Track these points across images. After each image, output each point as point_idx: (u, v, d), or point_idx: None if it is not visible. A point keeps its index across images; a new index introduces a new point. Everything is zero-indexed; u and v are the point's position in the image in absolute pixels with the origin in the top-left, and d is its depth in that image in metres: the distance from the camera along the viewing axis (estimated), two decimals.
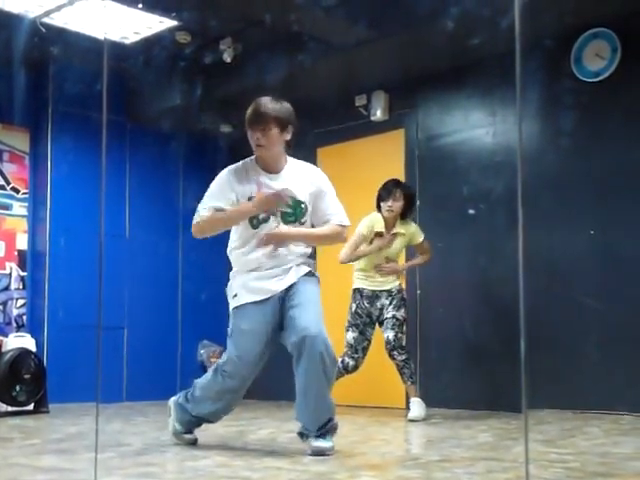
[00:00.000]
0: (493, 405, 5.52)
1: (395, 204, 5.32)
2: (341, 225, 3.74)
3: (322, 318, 3.56)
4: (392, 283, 5.42)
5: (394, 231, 5.36)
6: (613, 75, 5.37)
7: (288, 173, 3.69)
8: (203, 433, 4.72)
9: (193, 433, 3.95)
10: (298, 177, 3.69)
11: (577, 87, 5.47)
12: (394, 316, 5.28)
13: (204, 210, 3.68)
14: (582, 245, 5.43)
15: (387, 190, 5.35)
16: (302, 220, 3.66)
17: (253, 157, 3.72)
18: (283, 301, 3.62)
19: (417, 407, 5.17)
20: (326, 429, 3.52)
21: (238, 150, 7.76)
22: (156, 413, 5.81)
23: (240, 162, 3.76)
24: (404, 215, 5.41)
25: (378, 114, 6.49)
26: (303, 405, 3.54)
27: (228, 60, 6.14)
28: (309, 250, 3.77)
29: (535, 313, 5.03)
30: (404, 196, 5.36)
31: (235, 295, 3.69)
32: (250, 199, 3.59)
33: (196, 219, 3.69)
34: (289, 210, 3.62)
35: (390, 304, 5.34)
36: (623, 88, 5.34)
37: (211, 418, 3.92)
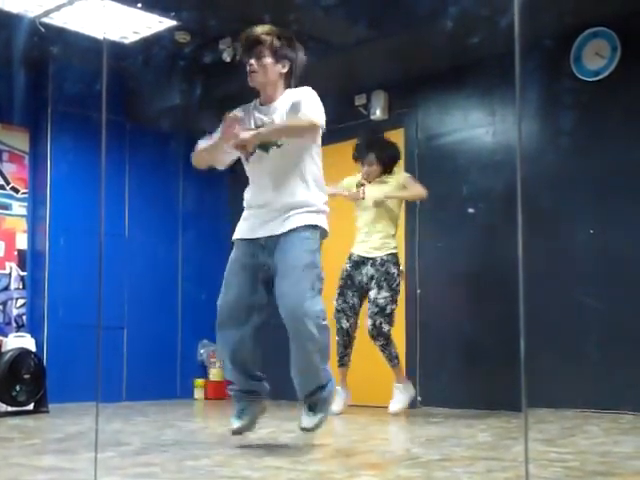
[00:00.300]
0: (493, 404, 5.52)
1: (370, 169, 5.28)
2: (309, 119, 3.48)
3: (306, 283, 3.41)
4: (378, 251, 5.32)
5: (377, 180, 5.35)
6: (613, 74, 5.37)
7: (280, 103, 3.59)
8: (203, 432, 4.73)
9: (243, 419, 3.75)
10: (288, 100, 3.59)
11: (577, 86, 5.47)
12: (375, 300, 5.22)
13: (202, 140, 3.67)
14: (582, 244, 5.43)
15: (359, 153, 5.31)
16: (279, 143, 3.53)
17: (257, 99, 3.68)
18: (272, 254, 3.53)
19: (397, 397, 5.23)
20: (315, 398, 3.49)
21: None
22: (156, 413, 5.81)
23: (245, 105, 3.72)
24: (388, 171, 5.36)
25: (378, 113, 6.49)
26: (293, 372, 3.56)
27: (228, 60, 6.14)
28: (317, 199, 3.57)
29: (535, 312, 5.03)
30: (379, 159, 5.31)
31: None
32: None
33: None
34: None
35: (373, 279, 5.27)
36: (623, 87, 5.34)
37: (231, 378, 3.81)
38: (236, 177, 7.75)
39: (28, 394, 5.74)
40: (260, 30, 3.56)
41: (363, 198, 5.31)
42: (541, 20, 4.69)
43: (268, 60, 3.53)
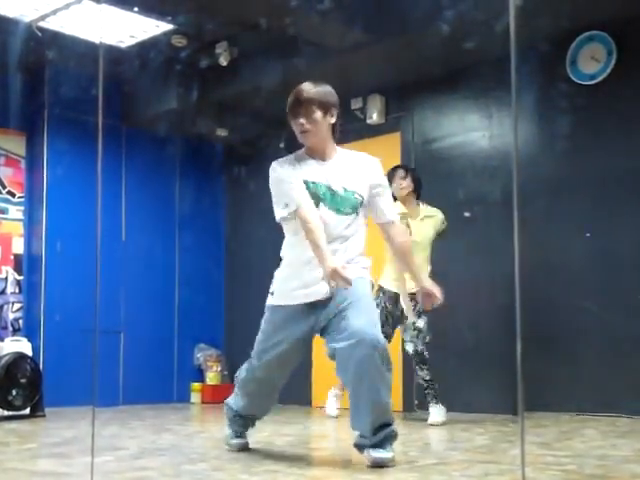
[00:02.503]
0: (490, 408, 5.52)
1: (404, 182, 5.23)
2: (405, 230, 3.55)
3: (376, 319, 3.34)
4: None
5: (422, 215, 5.23)
6: (608, 78, 5.38)
7: (339, 160, 3.47)
8: (200, 436, 4.72)
9: (243, 437, 3.76)
10: (351, 164, 3.46)
11: (573, 90, 5.48)
12: (414, 324, 5.17)
13: (292, 203, 3.47)
14: (578, 248, 5.44)
15: (393, 171, 5.27)
16: (357, 211, 3.40)
17: (302, 150, 3.53)
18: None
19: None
20: (383, 435, 3.21)
21: (234, 153, 7.82)
22: (153, 417, 5.80)
23: (288, 156, 3.55)
24: (418, 191, 5.29)
25: (374, 117, 6.50)
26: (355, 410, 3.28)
27: (224, 64, 6.14)
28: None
29: (532, 316, 5.04)
30: (408, 172, 5.28)
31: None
32: (316, 184, 3.41)
33: (291, 209, 3.46)
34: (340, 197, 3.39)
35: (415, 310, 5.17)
36: (618, 91, 5.35)
37: (246, 409, 3.72)
38: (232, 180, 7.80)
39: (24, 398, 5.72)
40: (305, 87, 3.43)
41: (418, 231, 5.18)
42: (537, 24, 4.70)
43: (318, 114, 3.40)
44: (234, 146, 7.68)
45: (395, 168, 5.30)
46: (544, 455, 3.44)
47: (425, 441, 4.36)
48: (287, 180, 3.47)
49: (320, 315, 3.38)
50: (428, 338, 5.17)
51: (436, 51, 5.67)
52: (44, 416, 5.76)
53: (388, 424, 3.22)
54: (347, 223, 3.39)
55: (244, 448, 3.70)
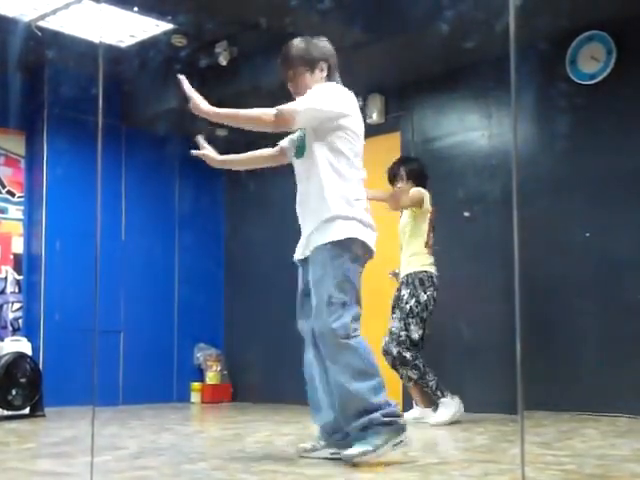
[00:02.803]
0: (490, 407, 5.52)
1: (400, 184, 5.21)
2: (277, 109, 3.22)
3: (324, 302, 3.17)
4: (404, 270, 5.17)
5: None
6: (608, 77, 5.38)
7: None
8: (200, 436, 4.72)
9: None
10: None
11: (572, 90, 5.48)
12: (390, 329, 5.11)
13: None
14: (578, 247, 5.44)
15: (391, 174, 5.24)
16: (303, 152, 3.34)
17: None
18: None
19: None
20: (357, 424, 3.16)
21: (233, 153, 7.80)
22: (152, 416, 5.80)
23: None
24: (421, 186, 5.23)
25: (374, 117, 6.49)
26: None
27: (224, 63, 6.14)
28: (332, 205, 3.22)
29: (532, 315, 5.05)
30: (408, 174, 5.25)
31: None
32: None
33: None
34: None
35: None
36: (618, 90, 5.35)
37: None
38: (232, 180, 7.80)
39: (24, 398, 5.73)
40: (288, 45, 3.40)
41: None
42: (537, 23, 4.70)
43: (302, 73, 3.35)
44: (234, 146, 7.67)
45: (395, 168, 5.29)
46: (544, 455, 3.44)
47: (425, 441, 4.35)
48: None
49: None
50: (404, 335, 4.97)
51: (436, 51, 5.67)
52: (44, 416, 5.76)
53: (360, 413, 3.14)
54: (304, 167, 3.34)
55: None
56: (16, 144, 6.78)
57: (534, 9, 4.50)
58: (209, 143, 3.72)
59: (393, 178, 5.24)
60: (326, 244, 3.22)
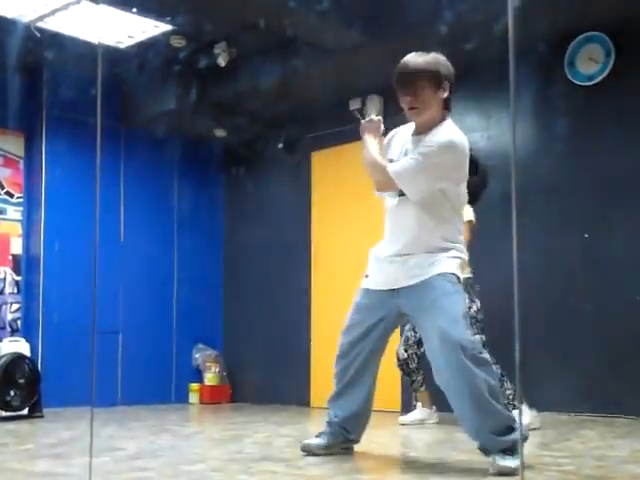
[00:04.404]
0: None
1: None
2: (392, 170, 3.27)
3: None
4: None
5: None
6: (607, 79, 5.39)
7: (435, 137, 3.30)
8: (199, 437, 4.72)
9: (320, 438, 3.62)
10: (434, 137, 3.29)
11: (571, 91, 5.49)
12: None
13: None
14: (577, 248, 5.44)
15: None
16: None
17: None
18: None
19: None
20: (503, 443, 3.02)
21: (233, 154, 7.81)
22: (151, 417, 5.80)
23: (403, 126, 3.53)
24: (472, 201, 5.11)
25: (373, 118, 6.49)
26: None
27: (222, 64, 6.14)
28: (452, 250, 3.26)
29: (530, 316, 5.05)
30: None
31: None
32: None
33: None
34: None
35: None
36: (617, 92, 5.36)
37: None
38: (231, 180, 7.80)
39: (22, 399, 5.72)
40: (412, 57, 3.37)
41: None
42: (535, 25, 4.70)
43: (428, 91, 3.30)
44: (233, 147, 7.67)
45: None
46: (542, 456, 3.44)
47: (424, 442, 4.36)
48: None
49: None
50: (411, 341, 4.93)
51: (435, 52, 5.66)
52: (42, 417, 5.76)
53: (503, 430, 3.03)
54: (404, 206, 3.30)
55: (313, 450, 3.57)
56: (15, 145, 6.77)
57: (533, 11, 4.50)
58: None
59: None
60: None
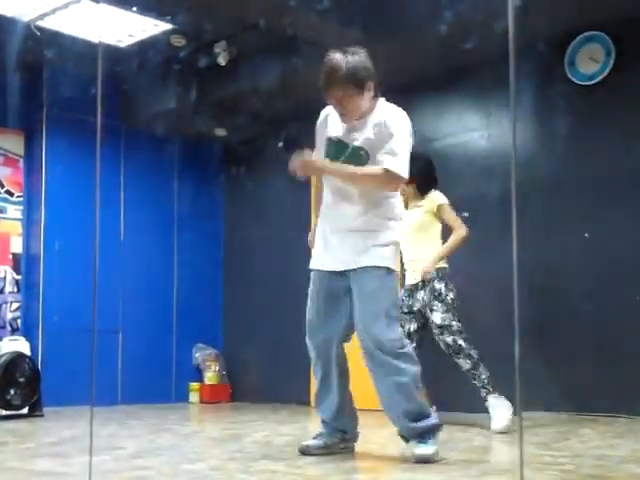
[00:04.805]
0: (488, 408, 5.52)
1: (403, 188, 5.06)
2: (386, 169, 3.28)
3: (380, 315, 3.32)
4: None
5: (412, 205, 5.04)
6: (607, 78, 5.39)
7: (369, 121, 3.39)
8: (198, 436, 4.72)
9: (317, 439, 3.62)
10: (376, 120, 3.38)
11: (571, 90, 5.48)
12: (434, 323, 4.96)
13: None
14: (577, 248, 5.44)
15: None
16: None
17: None
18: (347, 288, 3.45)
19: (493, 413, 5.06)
20: (418, 429, 3.32)
21: (233, 153, 7.81)
22: (151, 416, 5.80)
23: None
24: (423, 191, 5.07)
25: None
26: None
27: (223, 63, 6.14)
28: (389, 231, 3.42)
29: (530, 316, 5.05)
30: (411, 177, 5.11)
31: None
32: (328, 139, 3.49)
33: None
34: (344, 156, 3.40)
35: (426, 303, 4.98)
36: (617, 91, 5.36)
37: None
38: (231, 180, 7.80)
39: (22, 398, 5.72)
40: (336, 61, 3.37)
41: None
42: (535, 24, 4.70)
43: (353, 96, 3.34)
44: (233, 146, 7.67)
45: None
46: (542, 455, 3.44)
47: None
48: (317, 140, 3.59)
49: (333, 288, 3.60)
50: (455, 325, 4.93)
51: (435, 51, 5.67)
52: (42, 415, 5.76)
53: (420, 418, 3.33)
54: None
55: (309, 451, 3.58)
56: (15, 144, 6.77)
57: (533, 10, 4.50)
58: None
59: None
60: None
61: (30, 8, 5.58)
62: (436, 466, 3.18)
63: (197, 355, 7.52)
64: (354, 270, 3.39)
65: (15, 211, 6.74)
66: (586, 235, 5.40)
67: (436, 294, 4.95)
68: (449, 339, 4.91)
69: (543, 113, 5.57)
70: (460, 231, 4.98)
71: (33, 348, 6.22)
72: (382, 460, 3.63)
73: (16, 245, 6.73)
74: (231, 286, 7.75)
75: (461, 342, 4.90)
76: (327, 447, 3.52)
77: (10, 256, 6.69)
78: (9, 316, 6.63)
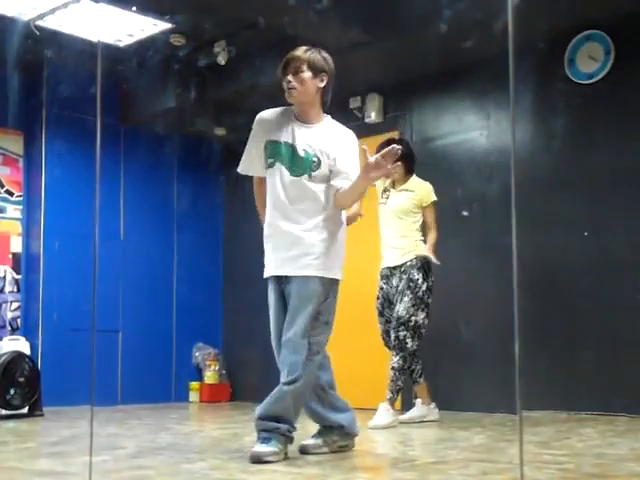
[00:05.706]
0: (488, 407, 5.53)
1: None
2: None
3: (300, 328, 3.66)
4: (402, 257, 5.00)
5: (401, 188, 5.09)
6: (606, 77, 5.39)
7: (324, 127, 3.57)
8: (198, 435, 4.72)
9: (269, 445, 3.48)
10: (326, 132, 3.56)
11: (570, 89, 5.48)
12: (397, 312, 4.92)
13: (241, 166, 3.69)
14: (576, 247, 5.44)
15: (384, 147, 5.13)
16: (312, 174, 3.47)
17: (292, 106, 3.59)
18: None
19: (412, 410, 5.15)
20: (269, 430, 3.46)
21: (232, 153, 7.80)
22: (151, 416, 5.80)
23: (277, 108, 3.62)
24: (410, 172, 5.13)
25: (372, 116, 6.50)
26: None
27: (222, 62, 6.13)
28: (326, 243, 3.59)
29: (530, 315, 5.05)
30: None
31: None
32: (279, 143, 3.50)
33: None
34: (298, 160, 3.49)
35: (397, 290, 4.97)
36: (616, 90, 5.36)
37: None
38: (231, 179, 7.79)
39: (22, 397, 5.72)
40: (299, 48, 3.57)
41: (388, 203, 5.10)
42: (535, 23, 4.69)
43: (307, 74, 3.50)
44: (232, 145, 7.67)
45: (387, 143, 5.21)
46: (542, 454, 3.44)
47: (423, 440, 4.36)
48: (252, 140, 3.62)
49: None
50: (413, 320, 4.93)
51: (434, 50, 5.67)
52: (42, 415, 5.76)
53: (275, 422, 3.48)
54: (302, 184, 3.49)
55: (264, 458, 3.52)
56: (14, 143, 6.77)
57: (532, 9, 4.50)
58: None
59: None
60: None
61: (30, 7, 5.58)
62: (435, 465, 3.18)
63: (197, 354, 7.52)
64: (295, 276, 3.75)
65: (15, 211, 6.74)
66: (586, 234, 5.40)
67: (411, 284, 4.95)
68: (401, 334, 4.92)
69: (543, 112, 5.57)
70: (436, 233, 5.09)
71: (33, 348, 6.22)
72: (382, 459, 3.63)
73: (16, 245, 6.73)
74: (231, 285, 7.75)
75: (409, 343, 4.92)
76: (326, 445, 3.53)
77: (10, 256, 6.69)
78: (9, 316, 6.63)
